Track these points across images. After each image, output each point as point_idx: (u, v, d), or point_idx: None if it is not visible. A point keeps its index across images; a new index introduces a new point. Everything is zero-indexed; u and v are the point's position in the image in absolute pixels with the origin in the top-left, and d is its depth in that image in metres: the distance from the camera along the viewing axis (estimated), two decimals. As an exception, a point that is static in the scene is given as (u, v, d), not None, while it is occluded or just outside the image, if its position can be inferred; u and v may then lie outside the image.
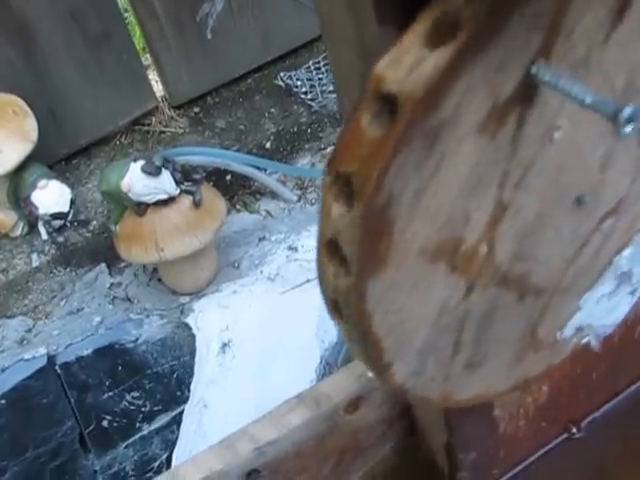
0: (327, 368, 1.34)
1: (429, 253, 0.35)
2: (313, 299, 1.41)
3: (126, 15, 1.72)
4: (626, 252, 0.45)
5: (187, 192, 1.38)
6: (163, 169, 1.32)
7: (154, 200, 1.35)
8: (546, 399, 0.71)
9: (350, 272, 0.35)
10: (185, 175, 1.38)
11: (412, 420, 0.72)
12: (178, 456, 1.38)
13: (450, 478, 0.71)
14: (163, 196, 1.35)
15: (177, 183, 1.36)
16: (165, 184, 1.34)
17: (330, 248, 0.36)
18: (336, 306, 0.38)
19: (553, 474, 0.76)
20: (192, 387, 1.43)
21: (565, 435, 0.76)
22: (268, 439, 0.62)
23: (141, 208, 1.36)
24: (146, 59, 1.73)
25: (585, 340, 0.48)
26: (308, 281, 1.42)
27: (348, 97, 0.46)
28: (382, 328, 0.36)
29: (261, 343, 1.39)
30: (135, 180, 1.31)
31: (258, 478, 0.63)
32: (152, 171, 1.30)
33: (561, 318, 0.44)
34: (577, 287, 0.44)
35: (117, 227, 1.42)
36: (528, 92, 0.34)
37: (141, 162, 1.31)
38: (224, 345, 1.40)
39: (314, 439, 0.65)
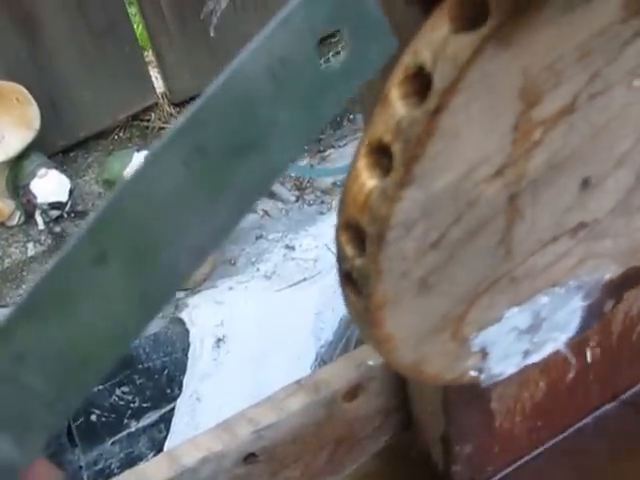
0: (322, 365, 1.34)
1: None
2: (309, 297, 1.41)
3: (130, 10, 1.72)
4: (556, 290, 0.46)
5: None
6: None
7: (156, 190, 1.35)
8: (543, 396, 0.71)
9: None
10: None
11: (409, 414, 0.73)
12: (170, 447, 1.38)
13: (444, 472, 0.71)
14: (165, 186, 1.35)
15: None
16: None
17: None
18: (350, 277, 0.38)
19: (547, 476, 0.76)
20: (185, 380, 1.43)
21: (561, 437, 0.76)
22: (267, 423, 0.62)
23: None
24: (147, 55, 1.73)
25: (473, 374, 0.47)
26: (305, 279, 1.42)
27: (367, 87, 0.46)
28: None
29: (256, 339, 1.38)
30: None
31: (255, 463, 0.63)
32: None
33: (488, 314, 0.44)
34: (519, 287, 0.44)
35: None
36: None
37: (144, 152, 1.31)
38: (218, 340, 1.40)
39: (312, 425, 0.65)
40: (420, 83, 0.33)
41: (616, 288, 0.49)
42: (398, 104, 0.34)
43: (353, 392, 0.67)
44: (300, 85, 0.28)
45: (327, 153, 1.73)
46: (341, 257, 0.38)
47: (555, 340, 0.50)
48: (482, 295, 0.42)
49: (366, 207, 0.36)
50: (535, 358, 0.50)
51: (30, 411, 0.28)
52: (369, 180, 0.35)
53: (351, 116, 1.75)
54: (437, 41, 0.33)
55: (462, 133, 0.35)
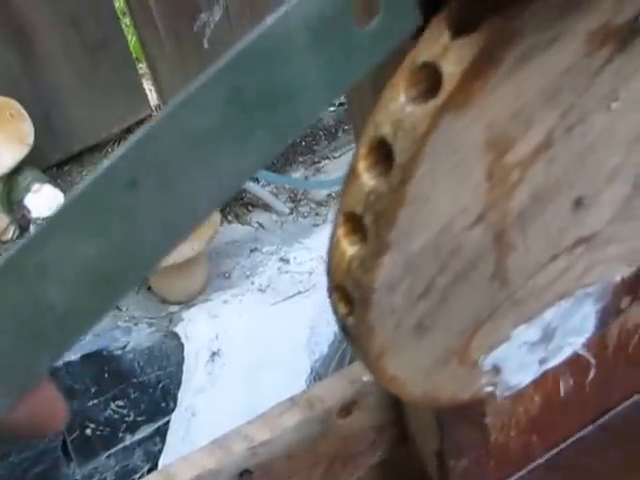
0: (317, 379, 1.34)
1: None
2: (304, 311, 1.41)
3: (122, 21, 1.72)
4: (563, 303, 0.45)
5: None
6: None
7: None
8: (538, 411, 0.71)
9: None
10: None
11: (403, 428, 0.72)
12: (165, 462, 1.38)
13: (440, 488, 0.71)
14: (158, 201, 1.35)
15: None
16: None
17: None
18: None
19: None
20: (180, 395, 1.42)
21: (556, 450, 0.76)
22: (261, 439, 0.62)
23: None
24: (141, 68, 1.73)
25: (489, 389, 0.47)
26: (299, 293, 1.42)
27: (358, 105, 0.46)
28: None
29: (251, 353, 1.38)
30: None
31: (250, 479, 0.63)
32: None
33: (495, 337, 0.44)
34: (523, 307, 0.44)
35: (110, 232, 1.41)
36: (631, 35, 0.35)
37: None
38: (213, 354, 1.40)
39: (306, 442, 0.65)
40: (384, 153, 0.33)
41: (631, 285, 0.49)
42: (365, 176, 0.34)
43: (348, 408, 0.67)
44: (333, 42, 0.29)
45: (322, 164, 1.73)
46: (336, 314, 0.39)
47: (572, 344, 0.50)
48: (484, 322, 0.42)
49: (348, 274, 0.36)
50: (554, 362, 0.50)
51: (41, 326, 0.28)
52: (348, 248, 0.36)
53: (346, 127, 1.75)
54: (395, 112, 0.33)
55: (431, 196, 0.35)
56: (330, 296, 0.38)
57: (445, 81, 0.32)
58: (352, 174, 0.35)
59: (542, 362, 0.49)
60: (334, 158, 1.74)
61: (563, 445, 0.76)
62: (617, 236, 0.45)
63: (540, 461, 0.76)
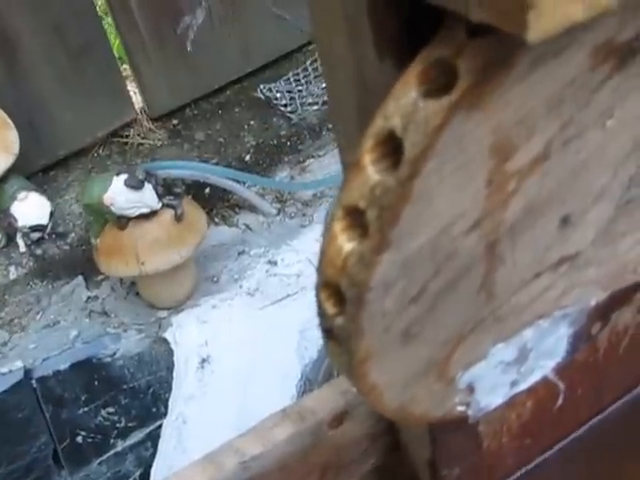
0: (308, 384, 1.34)
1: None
2: (293, 315, 1.40)
3: (105, 21, 1.71)
4: (541, 322, 0.45)
5: (169, 206, 1.37)
6: (145, 183, 1.32)
7: (136, 214, 1.35)
8: (530, 416, 0.71)
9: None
10: (167, 189, 1.37)
11: (396, 436, 0.72)
12: (157, 472, 1.37)
13: (433, 495, 0.71)
14: (145, 210, 1.35)
15: (159, 197, 1.35)
16: (147, 198, 1.33)
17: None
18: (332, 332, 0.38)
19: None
20: (170, 402, 1.42)
21: (549, 452, 0.76)
22: (253, 453, 0.62)
23: (122, 221, 1.35)
24: (125, 69, 1.72)
25: (461, 409, 0.47)
26: (288, 296, 1.42)
27: (342, 125, 0.46)
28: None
29: (241, 359, 1.38)
30: (118, 194, 1.31)
31: (242, 494, 0.62)
32: (135, 185, 1.30)
33: (474, 352, 0.44)
34: (504, 324, 0.44)
35: (97, 241, 1.41)
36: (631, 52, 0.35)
37: (124, 176, 1.31)
38: (203, 360, 1.40)
39: (298, 453, 0.65)
40: (392, 147, 0.33)
41: (603, 311, 0.49)
42: (371, 170, 0.33)
43: (339, 419, 0.67)
44: None
45: (307, 163, 1.73)
46: (322, 314, 0.38)
47: (543, 367, 0.50)
48: (467, 336, 0.42)
49: (344, 271, 0.35)
50: (523, 386, 0.50)
51: None
52: (346, 244, 0.35)
53: (330, 126, 1.75)
54: (406, 106, 0.32)
55: (436, 194, 0.34)
56: (317, 294, 0.38)
57: (461, 78, 0.31)
58: (356, 167, 0.34)
59: (513, 384, 0.49)
60: (319, 157, 1.74)
61: (556, 447, 0.76)
62: (597, 259, 0.45)
63: (533, 464, 0.76)
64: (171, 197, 1.37)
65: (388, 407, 0.42)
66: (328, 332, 0.38)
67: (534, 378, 0.50)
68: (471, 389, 0.46)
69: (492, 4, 0.26)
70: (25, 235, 1.45)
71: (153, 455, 1.47)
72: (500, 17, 0.26)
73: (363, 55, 0.35)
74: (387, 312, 0.37)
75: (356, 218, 0.35)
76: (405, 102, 0.32)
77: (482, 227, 0.37)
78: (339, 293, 0.36)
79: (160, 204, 1.36)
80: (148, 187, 1.32)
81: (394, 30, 0.35)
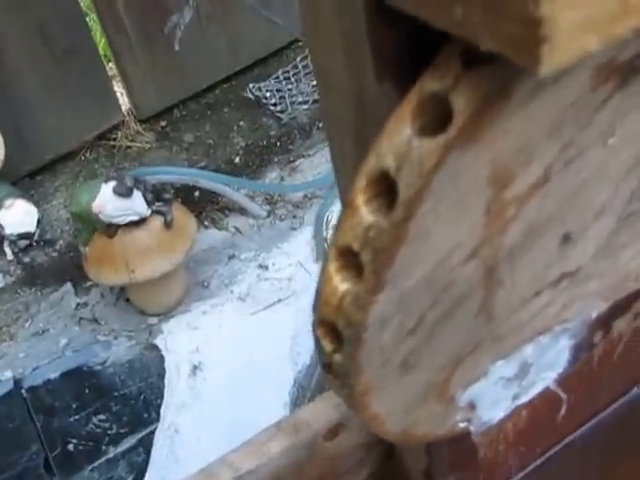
0: (300, 391, 1.33)
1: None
2: (285, 320, 1.40)
3: (90, 21, 1.69)
4: (542, 338, 0.45)
5: (158, 212, 1.36)
6: (134, 190, 1.30)
7: (125, 221, 1.33)
8: (526, 423, 0.71)
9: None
10: (156, 195, 1.36)
11: (390, 444, 0.72)
12: (149, 480, 1.37)
13: (429, 504, 0.70)
14: (134, 217, 1.34)
15: (148, 204, 1.34)
16: (136, 205, 1.32)
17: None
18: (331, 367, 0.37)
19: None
20: (162, 411, 1.41)
21: (544, 458, 0.76)
22: (248, 468, 0.61)
23: (111, 229, 1.34)
24: (111, 69, 1.70)
25: (463, 425, 0.47)
26: (279, 301, 1.41)
27: (340, 145, 0.45)
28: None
29: (233, 365, 1.37)
30: (106, 201, 1.30)
31: (237, 508, 0.62)
32: (124, 192, 1.28)
33: (474, 372, 0.43)
34: (504, 342, 0.43)
35: (86, 249, 1.39)
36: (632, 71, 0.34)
37: (112, 183, 1.29)
38: (194, 367, 1.39)
39: (293, 466, 0.65)
40: (385, 186, 0.32)
41: (604, 320, 0.49)
42: (364, 211, 0.32)
43: (334, 431, 0.66)
44: None
45: (297, 163, 1.72)
46: (320, 351, 0.37)
47: (545, 379, 0.50)
48: (466, 357, 0.41)
49: (340, 311, 0.35)
50: (525, 399, 0.50)
51: None
52: (341, 284, 0.34)
53: (320, 125, 1.74)
54: (400, 145, 0.31)
55: (432, 232, 0.33)
56: (314, 331, 0.37)
57: (456, 115, 0.30)
58: (349, 207, 0.33)
59: (515, 398, 0.48)
60: (309, 156, 1.73)
61: (552, 452, 0.76)
62: (598, 271, 0.44)
63: (529, 469, 0.76)
64: (160, 203, 1.36)
65: (391, 432, 0.42)
66: (327, 367, 0.37)
67: (536, 390, 0.50)
68: (472, 406, 0.46)
69: (504, 34, 0.25)
70: (12, 243, 1.44)
71: (145, 461, 1.46)
72: (512, 48, 0.25)
73: (362, 77, 0.34)
74: (385, 347, 0.36)
75: (350, 259, 0.34)
76: (399, 140, 0.31)
77: (480, 255, 0.36)
78: (336, 331, 0.35)
79: (149, 211, 1.35)
80: (137, 194, 1.31)
81: (394, 51, 0.34)
